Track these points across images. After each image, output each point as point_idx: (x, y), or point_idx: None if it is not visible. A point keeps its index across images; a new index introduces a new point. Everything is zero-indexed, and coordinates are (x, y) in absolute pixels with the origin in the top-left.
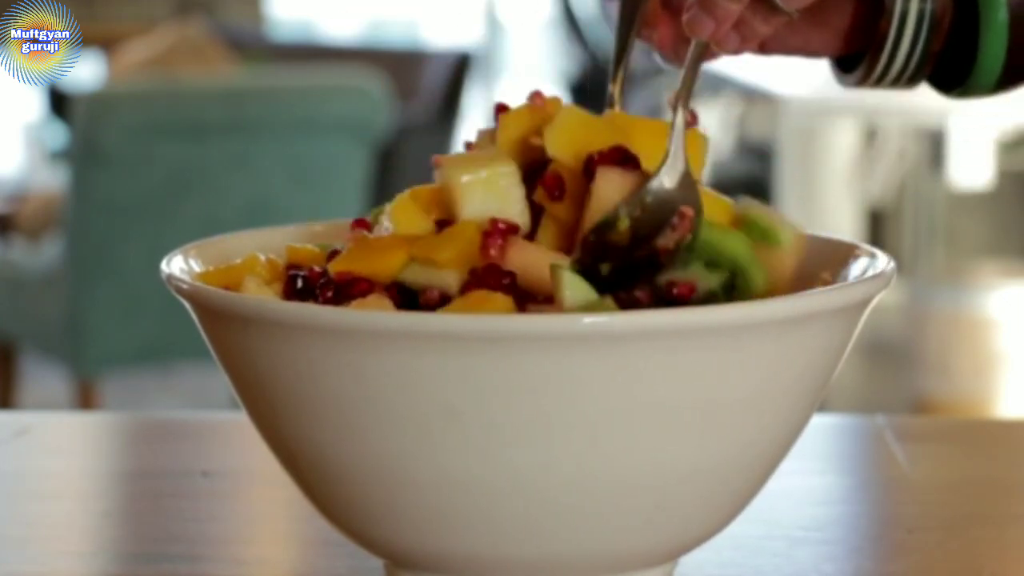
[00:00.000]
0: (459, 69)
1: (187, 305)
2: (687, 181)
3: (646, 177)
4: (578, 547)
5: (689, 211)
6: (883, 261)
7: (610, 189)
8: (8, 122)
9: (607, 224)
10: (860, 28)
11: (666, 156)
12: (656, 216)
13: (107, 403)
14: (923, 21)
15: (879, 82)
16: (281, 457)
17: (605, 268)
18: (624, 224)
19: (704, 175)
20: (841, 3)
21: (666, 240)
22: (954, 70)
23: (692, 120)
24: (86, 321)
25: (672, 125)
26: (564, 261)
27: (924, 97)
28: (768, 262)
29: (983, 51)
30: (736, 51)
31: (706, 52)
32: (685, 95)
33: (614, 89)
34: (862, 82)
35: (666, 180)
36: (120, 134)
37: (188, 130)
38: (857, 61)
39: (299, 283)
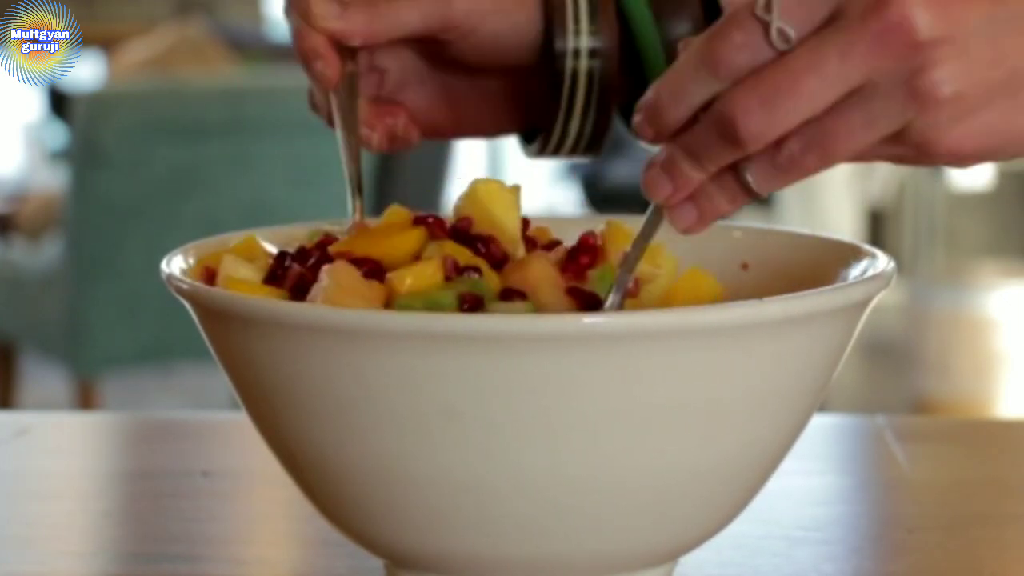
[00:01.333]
0: None
1: (187, 305)
2: None
3: None
4: (578, 547)
5: None
6: (883, 261)
7: None
8: (8, 122)
9: None
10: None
11: None
12: None
13: (107, 403)
14: (593, 85)
15: (557, 151)
16: (281, 457)
17: None
18: None
19: None
20: (521, 79)
21: None
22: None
23: (633, 291)
24: (86, 321)
25: (605, 300)
26: None
27: None
28: None
29: None
30: (688, 228)
31: (658, 219)
32: (630, 266)
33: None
34: (541, 152)
35: None
36: (120, 134)
37: (188, 130)
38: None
39: (287, 260)
